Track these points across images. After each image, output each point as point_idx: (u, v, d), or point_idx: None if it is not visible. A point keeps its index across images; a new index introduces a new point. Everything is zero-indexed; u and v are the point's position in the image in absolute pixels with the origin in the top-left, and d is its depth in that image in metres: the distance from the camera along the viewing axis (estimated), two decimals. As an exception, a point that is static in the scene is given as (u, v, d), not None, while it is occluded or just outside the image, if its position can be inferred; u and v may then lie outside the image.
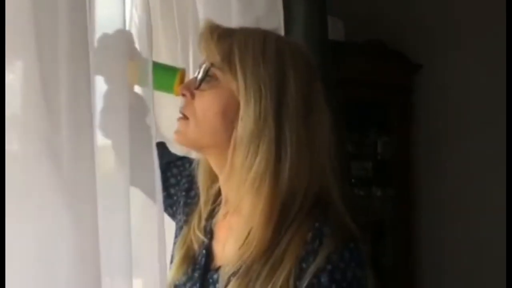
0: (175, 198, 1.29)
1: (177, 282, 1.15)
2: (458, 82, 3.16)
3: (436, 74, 3.17)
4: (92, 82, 1.12)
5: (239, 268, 1.03)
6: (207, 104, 1.07)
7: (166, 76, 1.20)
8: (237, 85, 1.04)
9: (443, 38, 3.18)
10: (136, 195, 1.31)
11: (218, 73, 1.06)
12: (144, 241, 1.41)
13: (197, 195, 1.20)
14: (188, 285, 1.13)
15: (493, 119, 2.99)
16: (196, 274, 1.12)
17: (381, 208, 3.19)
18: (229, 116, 1.05)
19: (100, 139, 1.19)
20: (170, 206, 1.29)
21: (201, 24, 1.15)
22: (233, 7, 1.66)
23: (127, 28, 1.30)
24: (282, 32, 1.72)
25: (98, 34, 1.19)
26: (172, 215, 1.31)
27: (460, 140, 3.17)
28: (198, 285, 1.11)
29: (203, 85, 1.08)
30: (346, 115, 2.87)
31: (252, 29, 1.14)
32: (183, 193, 1.26)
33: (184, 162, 1.31)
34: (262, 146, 1.01)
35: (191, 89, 1.09)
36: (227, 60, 1.04)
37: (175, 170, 1.30)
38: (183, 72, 1.22)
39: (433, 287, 3.18)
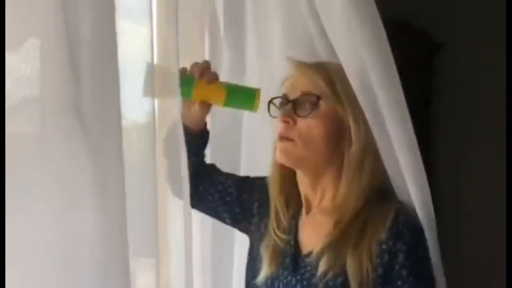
0: (248, 211, 1.46)
1: (270, 274, 1.34)
2: (481, 62, 3.08)
3: (458, 53, 3.09)
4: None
5: (326, 247, 1.28)
6: (314, 129, 1.29)
7: (246, 96, 1.38)
8: (345, 112, 1.29)
9: (465, 16, 3.09)
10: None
11: (322, 103, 1.30)
12: (170, 222, 1.38)
13: (264, 206, 1.42)
14: (281, 271, 1.33)
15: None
16: (288, 260, 1.33)
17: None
18: (334, 137, 1.30)
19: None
20: (246, 219, 1.47)
21: (289, 61, 1.35)
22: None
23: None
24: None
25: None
26: (245, 228, 1.48)
27: (482, 122, 3.09)
28: (291, 268, 1.32)
29: (303, 112, 1.30)
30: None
31: (327, 63, 1.35)
32: (256, 205, 1.45)
33: (254, 180, 1.49)
34: (369, 158, 1.29)
35: (294, 117, 1.30)
36: (332, 91, 1.28)
37: (246, 187, 1.48)
38: (259, 92, 1.38)
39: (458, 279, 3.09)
